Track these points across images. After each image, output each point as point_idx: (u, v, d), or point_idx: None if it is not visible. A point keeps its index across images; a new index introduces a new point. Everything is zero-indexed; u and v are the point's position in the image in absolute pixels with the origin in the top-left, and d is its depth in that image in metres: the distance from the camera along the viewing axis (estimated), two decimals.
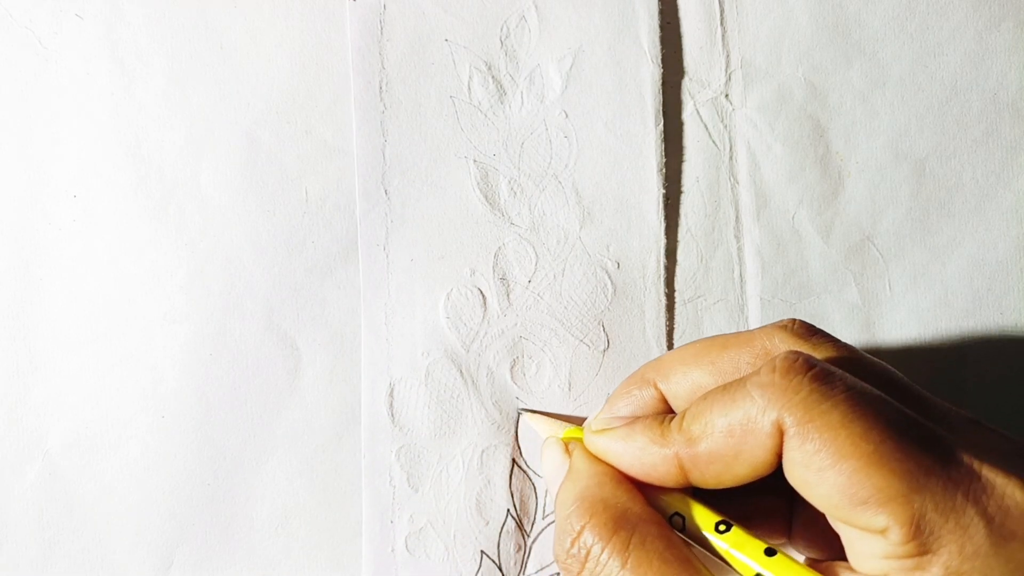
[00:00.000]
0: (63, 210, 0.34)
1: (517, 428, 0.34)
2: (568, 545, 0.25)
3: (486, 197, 0.35)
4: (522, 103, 0.35)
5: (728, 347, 0.28)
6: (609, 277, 0.35)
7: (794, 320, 0.27)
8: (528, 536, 0.34)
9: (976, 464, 0.22)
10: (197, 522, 0.34)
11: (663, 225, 0.35)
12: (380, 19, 0.35)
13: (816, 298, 0.36)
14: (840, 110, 0.36)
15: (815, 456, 0.22)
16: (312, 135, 0.35)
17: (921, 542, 0.21)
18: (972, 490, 0.21)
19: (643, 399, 0.29)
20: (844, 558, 0.24)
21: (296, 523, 0.34)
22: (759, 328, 0.28)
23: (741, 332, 0.28)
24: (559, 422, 0.33)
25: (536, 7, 0.35)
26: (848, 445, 0.22)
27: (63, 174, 0.34)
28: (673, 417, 0.26)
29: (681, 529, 0.26)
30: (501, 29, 0.35)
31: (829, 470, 0.22)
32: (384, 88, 0.35)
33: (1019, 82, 0.37)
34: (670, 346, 0.35)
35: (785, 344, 0.27)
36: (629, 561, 0.24)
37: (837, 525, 0.24)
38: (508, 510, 0.34)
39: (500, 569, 0.34)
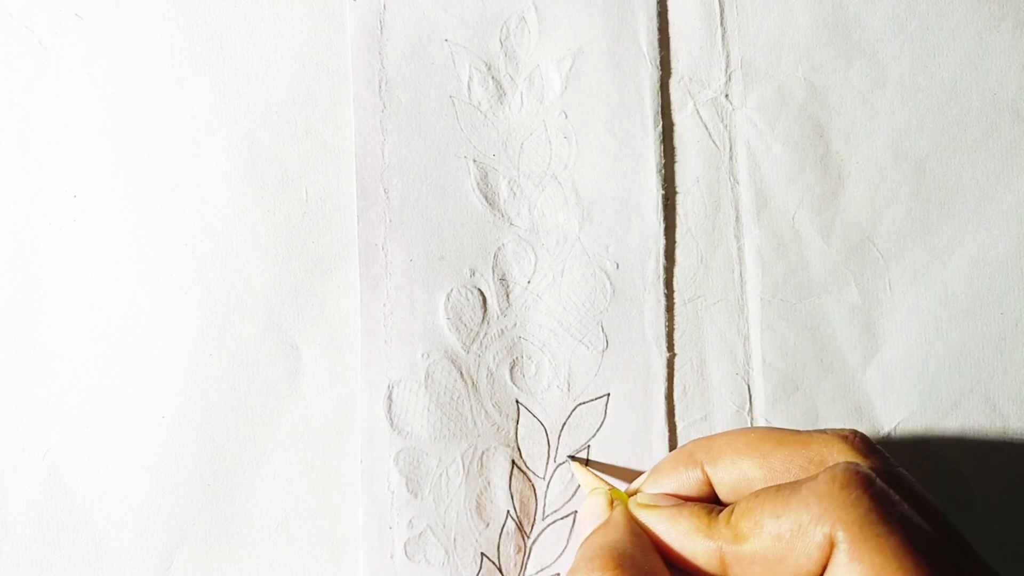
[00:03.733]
0: (63, 210, 0.34)
1: (517, 429, 0.34)
2: None
3: (486, 197, 0.35)
4: (522, 103, 0.35)
5: (783, 444, 0.27)
6: (608, 278, 0.35)
7: (856, 433, 0.27)
8: (528, 537, 0.34)
9: None
10: (197, 522, 0.34)
11: (662, 225, 0.35)
12: (380, 18, 0.35)
13: (816, 298, 0.36)
14: (840, 110, 0.36)
15: None
16: (312, 135, 0.35)
17: None
18: None
19: (689, 479, 0.29)
20: None
21: (296, 523, 0.34)
22: (817, 431, 0.28)
23: (799, 432, 0.28)
24: (603, 479, 0.33)
25: (536, 8, 0.35)
26: None
27: (63, 174, 0.34)
28: (722, 509, 0.26)
29: None
30: (501, 29, 0.35)
31: None
32: (383, 87, 0.35)
33: (1019, 82, 0.36)
34: (669, 346, 0.35)
35: (843, 456, 0.26)
36: None
37: None
38: (508, 512, 0.34)
39: (500, 571, 0.34)
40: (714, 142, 0.36)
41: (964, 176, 0.36)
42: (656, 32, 0.36)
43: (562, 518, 0.34)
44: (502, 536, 0.34)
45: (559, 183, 0.35)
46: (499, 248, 0.35)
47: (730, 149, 0.36)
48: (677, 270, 0.36)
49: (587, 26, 0.35)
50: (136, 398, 0.34)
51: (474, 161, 0.35)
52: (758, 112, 0.36)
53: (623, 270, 0.35)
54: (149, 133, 0.35)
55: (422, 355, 0.34)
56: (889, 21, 0.36)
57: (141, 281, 0.34)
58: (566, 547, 0.34)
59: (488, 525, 0.34)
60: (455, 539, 0.34)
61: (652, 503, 0.28)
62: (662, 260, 0.35)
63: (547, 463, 0.35)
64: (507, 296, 0.35)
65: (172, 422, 0.34)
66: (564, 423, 0.35)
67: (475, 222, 0.35)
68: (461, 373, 0.34)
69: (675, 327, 0.35)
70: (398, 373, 0.34)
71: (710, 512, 0.26)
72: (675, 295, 0.36)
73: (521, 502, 0.34)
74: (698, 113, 0.36)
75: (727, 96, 0.36)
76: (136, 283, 0.34)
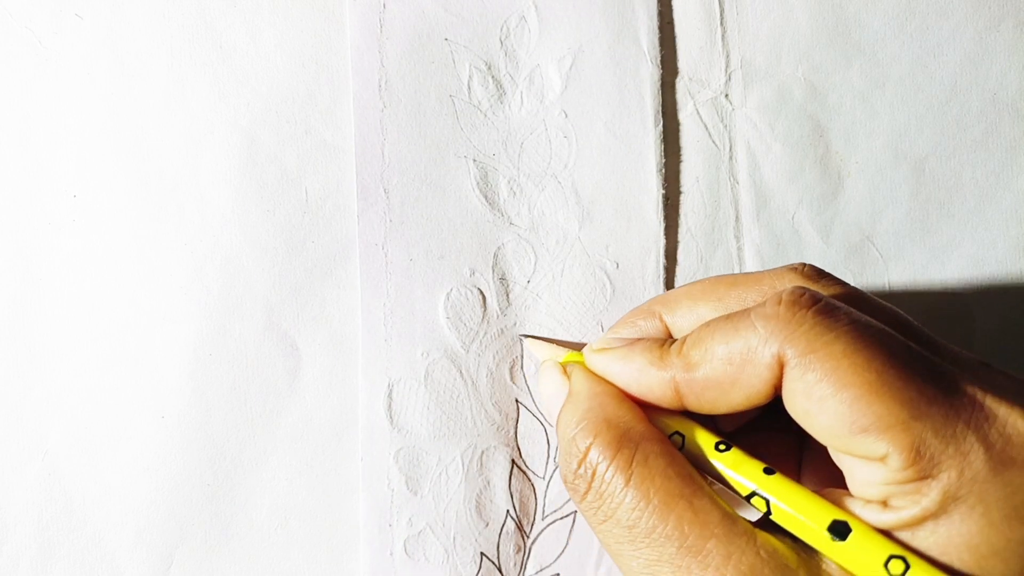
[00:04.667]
0: (63, 210, 0.34)
1: (516, 428, 0.34)
2: (575, 466, 0.25)
3: (485, 197, 0.35)
4: (522, 103, 0.35)
5: (737, 285, 0.28)
6: (608, 277, 0.35)
7: (804, 264, 0.27)
8: (528, 537, 0.34)
9: (979, 395, 0.22)
10: (197, 522, 0.34)
11: (662, 225, 0.35)
12: (380, 17, 0.35)
13: None
14: (840, 110, 0.36)
15: (816, 386, 0.22)
16: (312, 135, 0.35)
17: (921, 467, 0.21)
18: (974, 418, 0.21)
19: (646, 328, 0.29)
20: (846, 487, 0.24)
21: (296, 523, 0.34)
22: (769, 269, 0.28)
23: (751, 272, 0.28)
24: (558, 347, 0.33)
25: (536, 7, 0.35)
26: (850, 374, 0.22)
27: (63, 174, 0.34)
28: (674, 341, 0.26)
29: (680, 448, 0.26)
30: (501, 29, 0.35)
31: (830, 399, 0.22)
32: (383, 86, 0.35)
33: (1019, 82, 0.36)
34: None
35: (794, 284, 0.26)
36: (632, 478, 0.24)
37: (838, 457, 0.24)
38: (508, 511, 0.34)
39: (500, 570, 0.34)
40: (714, 142, 0.36)
41: (964, 176, 0.36)
42: (657, 31, 0.36)
43: (562, 518, 0.34)
44: (502, 535, 0.34)
45: (559, 183, 0.35)
46: (499, 248, 0.35)
47: (730, 149, 0.36)
48: (677, 270, 0.36)
49: (587, 25, 0.35)
50: (136, 398, 0.34)
51: (474, 161, 0.35)
52: (758, 112, 0.36)
53: (623, 270, 0.35)
54: (149, 133, 0.35)
55: (422, 354, 0.34)
56: (889, 21, 0.36)
57: (141, 281, 0.34)
58: (566, 547, 0.34)
59: (488, 524, 0.34)
60: (455, 538, 0.34)
61: (605, 346, 0.28)
62: (662, 260, 0.35)
63: (547, 463, 0.35)
64: (507, 295, 0.35)
65: (172, 422, 0.34)
66: None
67: (475, 222, 0.35)
68: (461, 372, 0.34)
69: None
70: (398, 372, 0.34)
71: (662, 345, 0.26)
72: None
73: (521, 502, 0.34)
74: (698, 113, 0.36)
75: (727, 96, 0.36)
76: (136, 283, 0.34)
